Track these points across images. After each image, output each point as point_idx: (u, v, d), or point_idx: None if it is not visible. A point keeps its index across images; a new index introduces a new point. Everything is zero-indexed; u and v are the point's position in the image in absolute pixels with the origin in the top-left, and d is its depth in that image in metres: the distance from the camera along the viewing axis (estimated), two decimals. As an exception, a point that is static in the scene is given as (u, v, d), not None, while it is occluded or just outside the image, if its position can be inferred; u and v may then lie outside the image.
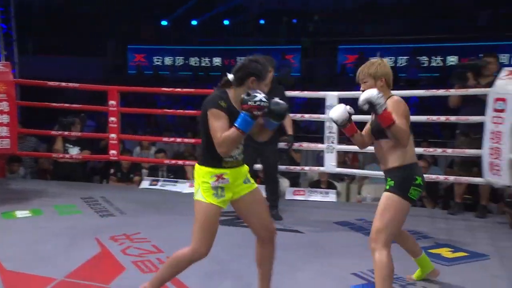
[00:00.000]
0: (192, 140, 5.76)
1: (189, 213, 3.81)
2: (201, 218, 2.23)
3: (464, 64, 4.23)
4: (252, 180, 2.37)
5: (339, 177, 5.93)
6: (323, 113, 4.69)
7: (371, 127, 2.59)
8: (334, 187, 5.31)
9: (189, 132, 7.45)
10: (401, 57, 11.72)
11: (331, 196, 4.96)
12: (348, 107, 2.56)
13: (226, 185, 2.26)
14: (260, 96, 2.14)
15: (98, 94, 6.52)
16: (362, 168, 6.30)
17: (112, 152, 5.21)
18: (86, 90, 7.44)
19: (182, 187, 5.18)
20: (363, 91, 2.45)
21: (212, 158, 2.24)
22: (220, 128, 2.17)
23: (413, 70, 11.08)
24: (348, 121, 2.55)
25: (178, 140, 5.65)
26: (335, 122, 2.59)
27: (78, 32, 12.22)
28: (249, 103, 2.12)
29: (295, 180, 5.73)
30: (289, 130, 4.20)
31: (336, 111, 2.55)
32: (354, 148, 5.72)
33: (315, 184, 5.41)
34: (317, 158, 6.37)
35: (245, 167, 2.37)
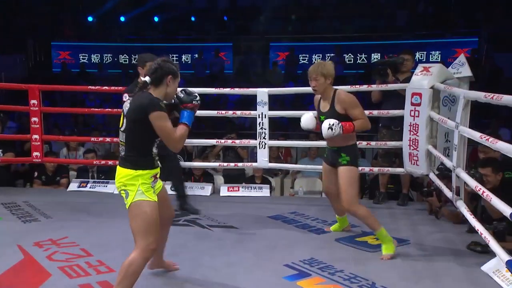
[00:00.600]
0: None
1: (120, 215, 3.75)
2: (147, 217, 2.34)
3: (383, 61, 4.47)
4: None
5: (274, 172, 6.06)
6: (255, 109, 4.75)
7: (324, 118, 3.21)
8: (268, 182, 5.40)
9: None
10: (328, 54, 12.13)
11: (265, 191, 5.04)
12: (311, 113, 3.36)
13: (156, 184, 2.48)
14: (198, 96, 2.49)
15: (20, 93, 6.13)
16: (295, 163, 6.47)
17: (35, 154, 4.96)
18: (6, 89, 6.96)
19: (113, 187, 5.02)
20: (314, 87, 3.16)
21: (147, 160, 2.39)
22: (172, 128, 2.35)
23: (339, 67, 11.50)
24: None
25: (108, 139, 5.48)
26: (308, 130, 3.41)
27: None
28: (194, 102, 2.46)
29: (238, 177, 5.76)
30: None
31: (305, 121, 3.31)
32: (286, 143, 5.96)
33: (250, 180, 5.47)
34: (251, 154, 6.46)
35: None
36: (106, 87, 5.19)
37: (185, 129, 2.41)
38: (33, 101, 4.89)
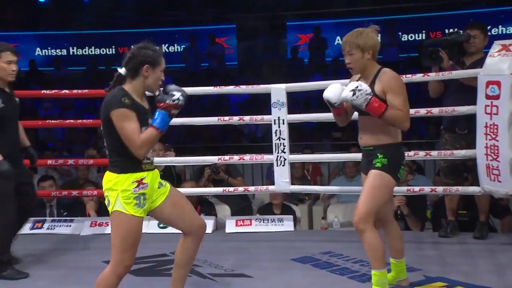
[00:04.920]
0: (91, 161, 5.65)
1: (92, 264, 3.76)
2: (123, 232, 2.73)
3: (435, 40, 4.45)
4: (164, 182, 2.93)
5: (299, 197, 6.03)
6: (269, 113, 4.73)
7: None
8: (291, 212, 5.38)
9: (90, 149, 7.29)
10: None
11: (287, 224, 5.02)
12: (340, 84, 3.30)
13: (145, 190, 2.77)
14: (178, 94, 2.67)
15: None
16: (327, 184, 6.43)
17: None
18: None
19: (79, 227, 5.06)
20: (349, 63, 3.14)
21: (130, 162, 2.74)
22: (134, 130, 2.66)
23: (392, 50, 11.46)
24: None
25: (70, 161, 5.52)
26: (331, 103, 3.26)
27: None
28: (168, 101, 2.66)
29: (244, 205, 5.75)
30: (26, 141, 4.21)
31: (332, 90, 3.22)
32: (313, 157, 5.94)
33: (266, 209, 5.47)
34: (268, 174, 6.45)
35: (157, 170, 2.92)
36: (66, 91, 5.23)
37: (152, 133, 2.68)
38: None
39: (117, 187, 2.72)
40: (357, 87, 3.04)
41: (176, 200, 2.95)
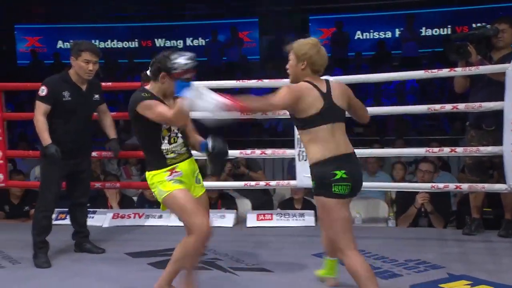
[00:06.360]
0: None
1: (111, 256, 3.81)
2: (182, 202, 3.00)
3: (463, 34, 4.39)
4: (201, 180, 3.23)
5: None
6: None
7: None
8: (312, 207, 5.36)
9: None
10: (394, 29, 12.03)
11: (308, 220, 5.02)
12: None
13: (180, 178, 3.07)
14: (182, 59, 2.85)
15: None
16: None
17: (-2, 176, 5.07)
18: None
19: (101, 219, 5.11)
20: (287, 68, 3.09)
21: (157, 160, 3.07)
22: (164, 109, 2.95)
23: (412, 46, 11.36)
24: None
25: (93, 154, 5.54)
26: None
27: None
28: (175, 71, 2.85)
29: (264, 199, 5.74)
30: (113, 133, 4.45)
31: None
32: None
33: (287, 204, 5.46)
34: (289, 169, 6.43)
35: (195, 163, 3.22)
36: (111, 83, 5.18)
37: (181, 102, 2.85)
38: (-9, 105, 5.01)
39: (154, 182, 3.07)
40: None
41: (204, 201, 3.21)
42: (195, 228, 2.97)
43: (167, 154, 3.07)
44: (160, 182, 3.05)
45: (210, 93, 2.79)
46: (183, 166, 3.12)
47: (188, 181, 3.13)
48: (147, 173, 3.14)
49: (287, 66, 3.10)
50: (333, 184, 2.88)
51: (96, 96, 4.25)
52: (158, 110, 2.95)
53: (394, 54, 11.72)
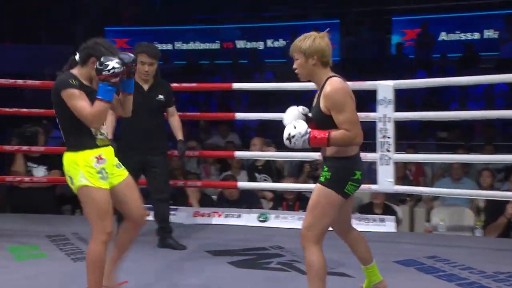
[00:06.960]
0: (197, 153, 5.78)
1: (194, 255, 3.85)
2: (96, 203, 2.95)
3: None
4: (121, 165, 3.15)
5: (400, 198, 5.90)
6: (373, 110, 4.67)
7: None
8: (392, 212, 5.29)
9: (190, 141, 7.46)
10: (491, 30, 11.57)
11: (389, 225, 4.96)
12: (300, 107, 3.13)
13: (105, 165, 3.02)
14: (112, 63, 2.86)
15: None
16: (431, 185, 6.25)
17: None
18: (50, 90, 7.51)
19: (183, 216, 5.23)
20: (295, 68, 3.02)
21: (85, 140, 3.00)
22: (84, 106, 2.92)
23: (510, 46, 10.81)
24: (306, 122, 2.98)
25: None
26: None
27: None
28: (104, 72, 2.85)
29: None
30: (179, 135, 4.56)
31: (288, 116, 3.08)
32: (419, 157, 5.77)
33: (367, 209, 5.42)
34: (369, 172, 6.32)
35: (111, 147, 3.15)
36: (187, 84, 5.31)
37: (100, 104, 2.90)
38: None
39: (77, 164, 2.95)
40: (290, 134, 2.87)
41: (129, 185, 3.16)
42: (100, 231, 2.96)
43: (96, 135, 3.02)
44: (86, 167, 2.95)
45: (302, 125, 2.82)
46: (106, 153, 3.07)
47: (110, 170, 3.06)
48: (68, 153, 3.01)
49: (295, 67, 3.03)
50: (349, 183, 2.89)
51: (160, 96, 4.34)
52: (79, 104, 2.91)
53: (485, 56, 11.23)
